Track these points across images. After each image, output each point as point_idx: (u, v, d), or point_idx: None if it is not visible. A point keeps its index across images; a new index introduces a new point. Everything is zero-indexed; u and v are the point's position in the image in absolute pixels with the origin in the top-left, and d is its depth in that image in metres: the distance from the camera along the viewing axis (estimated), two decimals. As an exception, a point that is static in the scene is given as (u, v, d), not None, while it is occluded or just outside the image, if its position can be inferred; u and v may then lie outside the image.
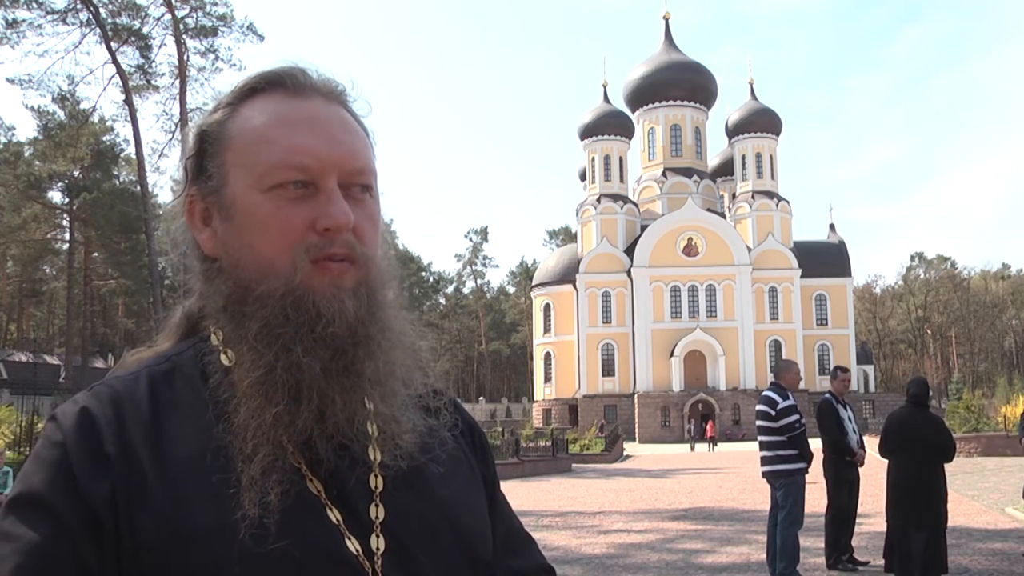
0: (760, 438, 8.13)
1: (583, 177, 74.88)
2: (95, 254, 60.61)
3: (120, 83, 32.39)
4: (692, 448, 44.83)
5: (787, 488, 7.93)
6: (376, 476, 0.89)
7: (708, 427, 47.07)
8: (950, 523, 7.45)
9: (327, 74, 0.96)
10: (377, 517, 0.87)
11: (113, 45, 32.27)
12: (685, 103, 72.35)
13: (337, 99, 0.95)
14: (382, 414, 0.90)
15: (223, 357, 0.89)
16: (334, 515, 0.85)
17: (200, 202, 0.93)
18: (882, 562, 8.51)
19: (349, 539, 0.84)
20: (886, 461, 7.45)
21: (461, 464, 1.00)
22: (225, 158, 0.91)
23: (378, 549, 0.85)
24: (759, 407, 8.12)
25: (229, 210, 0.90)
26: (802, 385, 61.16)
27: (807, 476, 8.09)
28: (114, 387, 0.88)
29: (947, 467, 7.23)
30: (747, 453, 34.42)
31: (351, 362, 0.86)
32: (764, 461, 8.09)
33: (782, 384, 8.11)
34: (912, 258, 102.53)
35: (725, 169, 74.24)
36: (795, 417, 7.87)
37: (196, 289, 0.96)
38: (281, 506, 0.80)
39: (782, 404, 7.88)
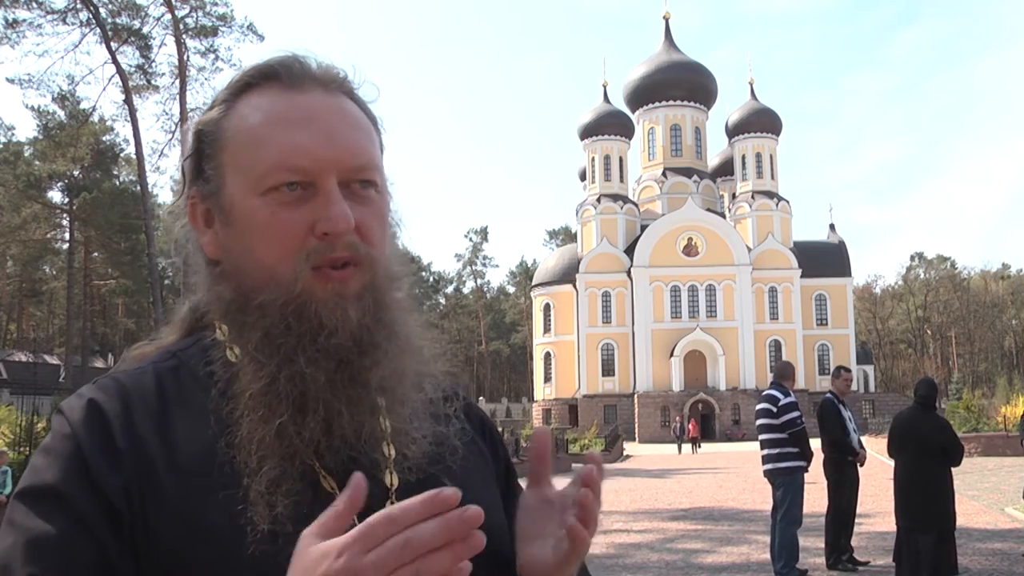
0: (761, 436, 8.20)
1: (583, 177, 74.87)
2: (95, 254, 60.62)
3: (120, 83, 32.38)
4: (680, 449, 42.35)
5: (786, 487, 7.97)
6: (392, 474, 0.87)
7: (691, 427, 44.32)
8: (951, 523, 7.44)
9: (326, 62, 0.91)
10: None
11: (113, 45, 32.25)
12: (685, 103, 72.33)
13: (339, 87, 0.90)
14: (388, 424, 0.87)
15: (228, 353, 0.88)
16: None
17: (201, 204, 0.91)
18: (882, 562, 8.53)
19: None
20: (891, 462, 7.45)
21: (476, 465, 0.97)
22: (222, 159, 0.88)
23: None
24: (761, 406, 8.18)
25: (228, 214, 0.88)
26: (802, 385, 61.37)
27: (807, 476, 8.12)
28: (120, 380, 0.86)
29: (947, 467, 7.22)
30: (747, 453, 34.39)
31: (357, 372, 0.84)
32: (765, 459, 8.16)
33: (784, 384, 8.18)
34: (912, 258, 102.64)
35: (725, 169, 74.23)
36: (795, 414, 7.96)
37: (204, 286, 0.94)
38: (295, 512, 0.78)
39: (784, 401, 7.98)
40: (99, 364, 64.89)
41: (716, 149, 77.46)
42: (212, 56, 34.65)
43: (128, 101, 32.42)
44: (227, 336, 0.89)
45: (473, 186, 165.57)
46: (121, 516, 0.78)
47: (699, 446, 43.13)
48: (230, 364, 0.86)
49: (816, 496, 8.94)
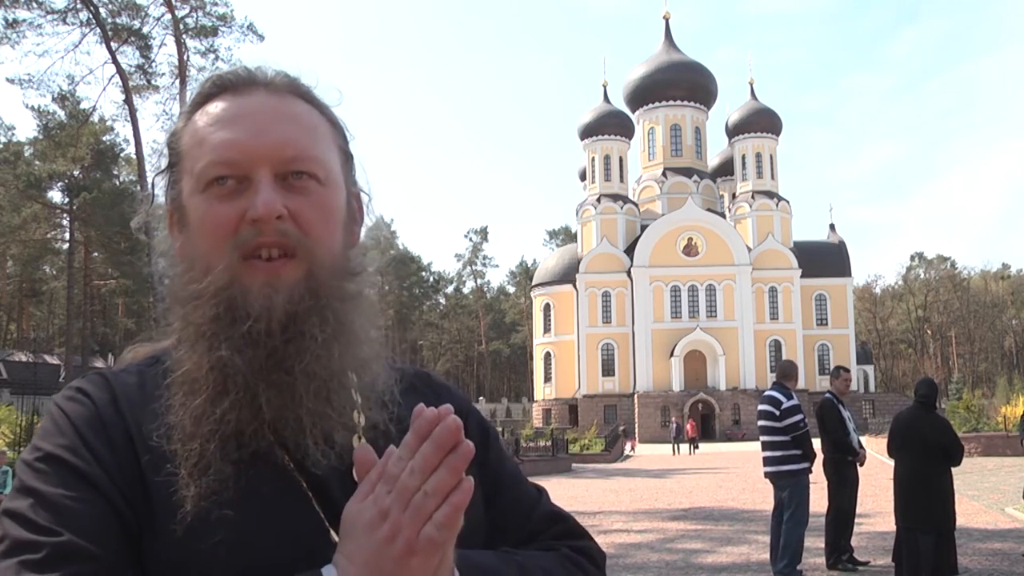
0: (763, 438, 8.12)
1: (583, 177, 74.88)
2: (95, 254, 60.58)
3: (120, 83, 32.36)
4: (675, 451, 41.56)
5: (792, 489, 7.92)
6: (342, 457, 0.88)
7: (689, 427, 43.72)
8: (950, 523, 7.44)
9: (277, 68, 0.95)
10: None
11: (113, 45, 32.23)
12: (685, 103, 72.34)
13: (287, 89, 0.94)
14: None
15: None
16: (318, 506, 0.86)
17: (174, 212, 0.95)
18: (882, 562, 8.52)
19: (332, 531, 0.84)
20: (891, 462, 7.45)
21: None
22: (181, 166, 0.93)
23: None
24: (763, 407, 8.10)
25: (184, 217, 0.92)
26: (802, 385, 61.27)
27: (810, 476, 8.10)
28: (106, 376, 0.91)
29: (947, 467, 7.21)
30: (747, 453, 34.41)
31: (282, 359, 0.86)
32: (767, 461, 8.09)
33: (787, 385, 8.12)
34: (912, 258, 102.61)
35: (725, 169, 74.25)
36: (799, 417, 7.90)
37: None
38: (228, 496, 0.81)
39: (786, 404, 7.90)
40: (99, 364, 64.81)
41: (716, 149, 77.59)
42: (212, 56, 34.62)
43: (128, 101, 32.39)
44: None
45: (473, 186, 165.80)
46: (122, 491, 0.82)
47: (696, 447, 42.56)
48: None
49: (816, 496, 8.92)
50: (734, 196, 70.39)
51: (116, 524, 0.80)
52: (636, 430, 59.53)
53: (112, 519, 0.80)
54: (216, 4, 33.87)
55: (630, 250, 66.25)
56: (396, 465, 0.69)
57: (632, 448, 45.59)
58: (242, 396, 0.84)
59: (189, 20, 34.08)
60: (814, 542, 9.17)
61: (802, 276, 66.36)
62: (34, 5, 31.88)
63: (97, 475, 0.81)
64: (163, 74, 35.02)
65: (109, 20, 32.79)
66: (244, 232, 0.87)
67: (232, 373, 0.84)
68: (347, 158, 0.98)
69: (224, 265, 0.87)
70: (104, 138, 51.66)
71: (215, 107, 0.92)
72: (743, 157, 69.63)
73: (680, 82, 71.46)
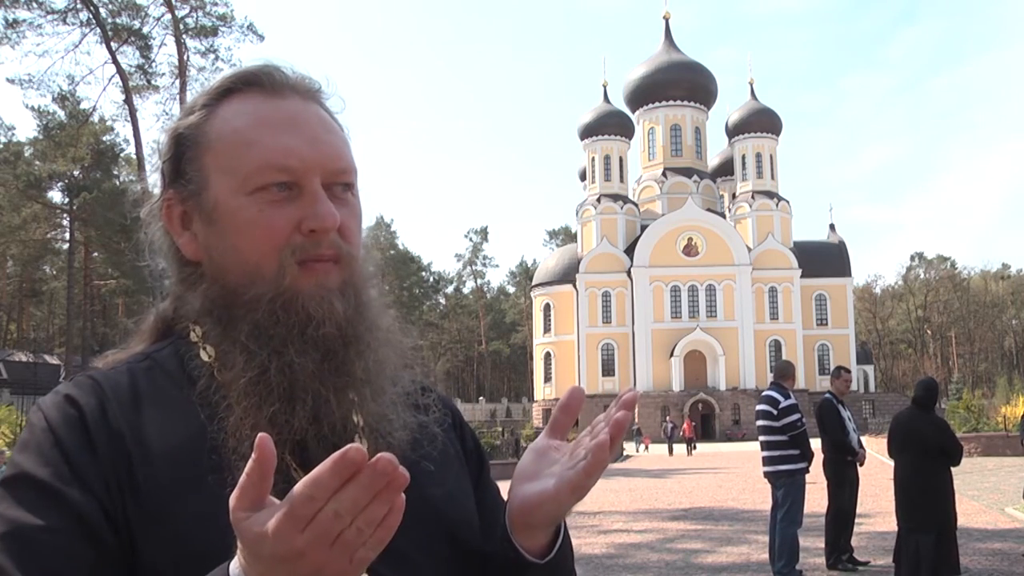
0: (762, 438, 8.16)
1: (583, 177, 74.93)
2: (95, 254, 60.60)
3: (120, 83, 32.36)
4: (670, 451, 40.87)
5: (787, 488, 7.95)
6: None
7: (686, 427, 42.97)
8: (951, 523, 7.44)
9: (302, 72, 0.94)
10: None
11: (113, 45, 32.22)
12: (685, 103, 72.38)
13: (313, 97, 0.94)
14: (372, 412, 0.88)
15: (203, 353, 0.89)
16: None
17: (179, 206, 0.92)
18: (882, 562, 8.53)
19: None
20: (891, 462, 7.45)
21: (452, 458, 0.99)
22: (205, 161, 0.90)
23: None
24: (761, 407, 8.14)
25: (211, 214, 0.89)
26: (802, 385, 61.41)
27: (807, 476, 8.13)
28: (95, 378, 0.88)
29: (947, 467, 7.21)
30: (747, 453, 34.39)
31: (342, 362, 0.86)
32: (766, 461, 8.13)
33: (784, 385, 8.15)
34: (912, 258, 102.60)
35: (725, 169, 74.30)
36: (796, 416, 7.93)
37: (175, 292, 0.95)
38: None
39: (784, 403, 7.94)
40: (99, 364, 64.59)
41: (716, 149, 77.65)
42: (212, 56, 34.61)
43: (128, 101, 32.39)
44: (200, 337, 0.90)
45: (473, 186, 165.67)
46: (104, 506, 0.79)
47: (694, 447, 41.87)
48: (207, 364, 0.88)
49: (816, 496, 8.94)
50: (734, 196, 70.43)
51: (82, 549, 0.77)
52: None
53: (78, 544, 0.77)
54: (216, 4, 33.88)
55: (630, 250, 66.29)
56: (305, 506, 0.62)
57: (646, 447, 45.57)
58: (310, 401, 0.84)
59: (189, 20, 34.08)
60: (814, 542, 9.17)
61: (802, 276, 66.42)
62: (34, 5, 31.89)
63: (72, 495, 0.78)
64: (163, 74, 35.02)
65: (109, 20, 32.79)
66: (299, 241, 0.87)
67: (301, 377, 0.84)
68: None
69: (281, 271, 0.86)
70: (104, 138, 51.67)
71: (252, 106, 0.90)
72: (743, 157, 69.67)
73: (680, 82, 71.51)
